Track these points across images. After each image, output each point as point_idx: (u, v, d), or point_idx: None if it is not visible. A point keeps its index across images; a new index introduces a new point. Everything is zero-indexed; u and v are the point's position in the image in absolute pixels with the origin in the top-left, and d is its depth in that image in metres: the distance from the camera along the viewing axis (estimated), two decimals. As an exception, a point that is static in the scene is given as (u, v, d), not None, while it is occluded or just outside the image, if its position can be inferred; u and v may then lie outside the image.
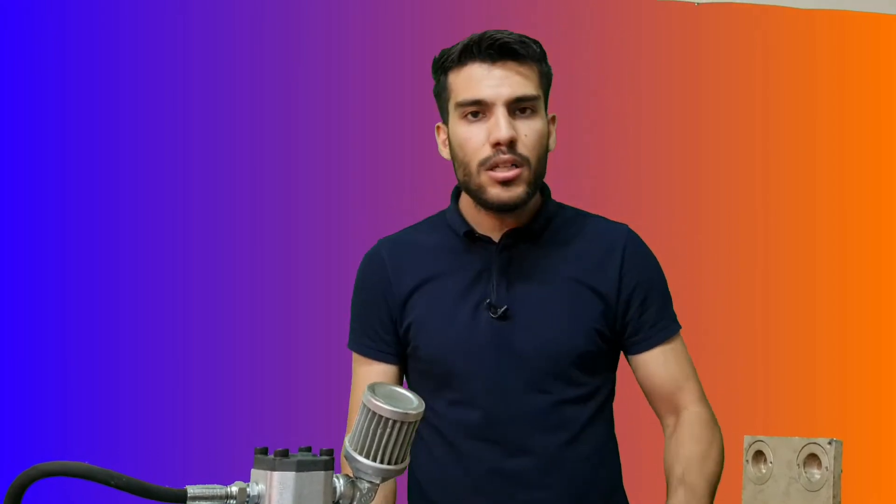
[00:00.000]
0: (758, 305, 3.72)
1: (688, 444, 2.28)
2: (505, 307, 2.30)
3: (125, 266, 3.82)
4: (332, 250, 3.77)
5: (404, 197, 3.75)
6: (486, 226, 2.36)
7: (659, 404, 2.38)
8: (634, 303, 2.36)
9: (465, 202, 2.39)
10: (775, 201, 3.76)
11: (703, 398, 2.36)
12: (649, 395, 2.39)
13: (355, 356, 2.48)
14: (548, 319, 2.31)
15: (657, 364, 2.36)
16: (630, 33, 3.88)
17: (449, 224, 2.43)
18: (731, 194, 3.79)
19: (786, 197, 3.75)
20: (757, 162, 3.79)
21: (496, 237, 2.35)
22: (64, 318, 3.79)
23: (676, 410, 2.34)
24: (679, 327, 2.40)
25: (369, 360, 2.44)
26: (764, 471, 1.77)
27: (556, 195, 2.46)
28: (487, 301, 2.31)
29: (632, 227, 2.47)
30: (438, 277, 2.39)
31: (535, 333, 2.30)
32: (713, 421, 2.33)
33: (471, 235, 2.37)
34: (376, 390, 1.57)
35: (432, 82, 2.40)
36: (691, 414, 2.31)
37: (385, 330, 2.42)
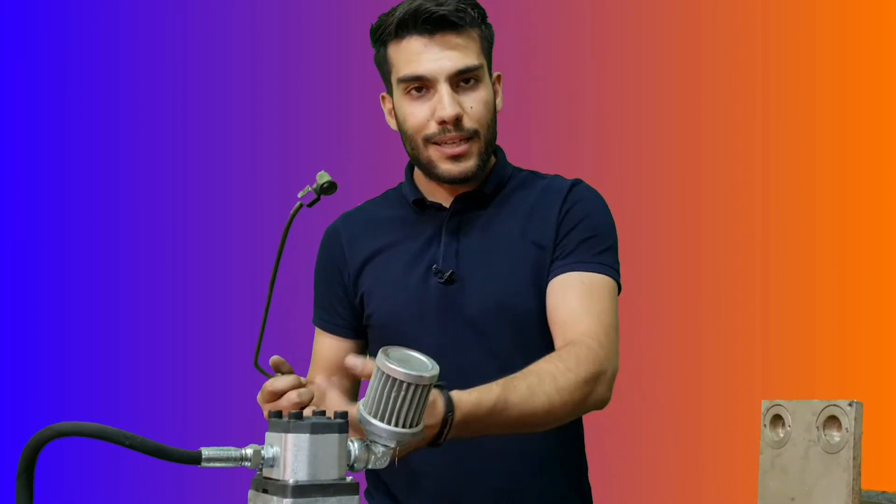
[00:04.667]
0: (772, 269, 3.71)
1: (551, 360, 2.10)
2: (451, 271, 2.28)
3: (127, 238, 3.84)
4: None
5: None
6: (439, 194, 2.37)
7: (554, 337, 2.22)
8: (562, 233, 2.30)
9: (419, 171, 2.39)
10: (775, 180, 3.75)
11: (605, 347, 2.16)
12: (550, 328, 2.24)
13: (317, 331, 2.51)
14: (495, 280, 2.27)
15: (557, 292, 2.24)
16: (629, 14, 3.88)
17: (403, 194, 2.44)
18: (731, 177, 3.78)
19: (786, 177, 3.75)
20: (757, 145, 3.79)
21: (447, 203, 2.35)
22: (64, 288, 3.80)
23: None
24: (608, 273, 2.28)
25: (328, 335, 2.46)
26: (782, 435, 1.75)
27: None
28: (434, 266, 2.30)
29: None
30: (390, 247, 2.39)
31: (482, 295, 2.27)
32: (599, 361, 2.12)
33: (420, 203, 2.38)
34: (390, 354, 1.56)
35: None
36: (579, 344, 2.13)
37: (341, 304, 2.44)
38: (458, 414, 1.80)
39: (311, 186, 1.85)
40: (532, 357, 2.20)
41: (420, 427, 1.60)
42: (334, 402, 1.94)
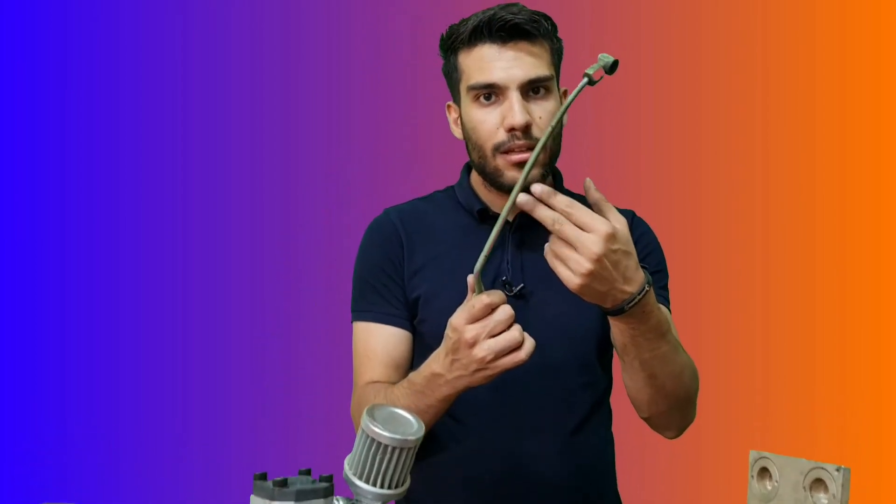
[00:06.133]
0: (772, 315, 3.71)
1: None
2: (521, 285, 2.27)
3: (127, 238, 3.84)
4: (332, 254, 3.77)
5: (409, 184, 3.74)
6: (498, 205, 2.35)
7: None
8: None
9: (477, 180, 2.37)
10: (775, 201, 3.74)
11: None
12: None
13: (367, 326, 2.38)
14: (562, 301, 2.18)
15: None
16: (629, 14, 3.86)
17: (460, 201, 2.41)
18: (731, 195, 3.77)
19: (786, 197, 3.73)
20: (757, 151, 3.78)
21: (510, 216, 2.32)
22: (64, 289, 3.81)
23: None
24: (669, 309, 2.36)
25: (388, 327, 2.35)
26: (770, 488, 1.75)
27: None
28: (503, 278, 2.27)
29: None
30: (449, 254, 2.35)
31: (550, 314, 2.27)
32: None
33: (484, 214, 2.35)
34: (375, 414, 1.56)
35: (435, 61, 2.37)
36: None
37: (402, 294, 2.36)
38: (650, 294, 1.86)
39: (597, 66, 1.77)
40: (589, 374, 2.31)
41: (405, 486, 1.59)
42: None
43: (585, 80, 1.78)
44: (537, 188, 1.78)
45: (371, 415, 1.55)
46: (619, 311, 1.85)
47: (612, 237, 1.76)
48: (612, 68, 1.78)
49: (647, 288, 1.83)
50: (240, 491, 3.69)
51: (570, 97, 1.79)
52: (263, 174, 3.91)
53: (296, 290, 3.86)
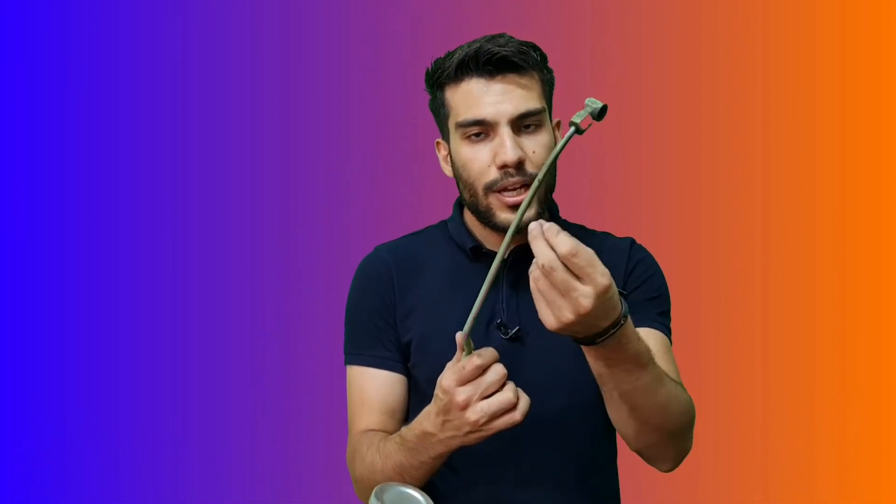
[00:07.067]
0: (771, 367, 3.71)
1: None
2: (517, 328, 2.18)
3: (127, 239, 3.85)
4: (332, 254, 3.77)
5: (403, 212, 3.71)
6: (492, 241, 2.27)
7: None
8: (628, 289, 2.24)
9: (470, 216, 2.29)
10: (775, 211, 3.74)
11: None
12: None
13: (358, 371, 2.29)
14: (559, 342, 1.98)
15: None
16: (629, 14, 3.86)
17: (453, 238, 2.32)
18: (730, 204, 3.77)
19: (785, 208, 3.73)
20: (757, 159, 3.77)
21: (504, 254, 2.24)
22: (64, 289, 3.81)
23: None
24: (669, 336, 2.27)
25: (381, 371, 2.26)
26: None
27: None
28: (498, 320, 2.19)
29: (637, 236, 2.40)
30: (442, 294, 2.26)
31: (547, 357, 2.18)
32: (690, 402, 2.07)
33: (477, 251, 2.26)
34: (384, 497, 1.54)
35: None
36: None
37: (395, 337, 2.28)
38: (626, 326, 1.73)
39: (584, 113, 1.67)
40: (587, 416, 2.21)
41: None
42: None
43: (573, 129, 1.69)
44: (546, 226, 1.67)
45: (379, 497, 1.53)
46: (590, 343, 1.75)
47: (606, 290, 1.64)
48: (600, 114, 1.68)
49: (622, 322, 1.72)
50: (240, 491, 3.72)
51: (557, 147, 1.70)
52: (263, 174, 3.90)
53: (296, 290, 3.84)
